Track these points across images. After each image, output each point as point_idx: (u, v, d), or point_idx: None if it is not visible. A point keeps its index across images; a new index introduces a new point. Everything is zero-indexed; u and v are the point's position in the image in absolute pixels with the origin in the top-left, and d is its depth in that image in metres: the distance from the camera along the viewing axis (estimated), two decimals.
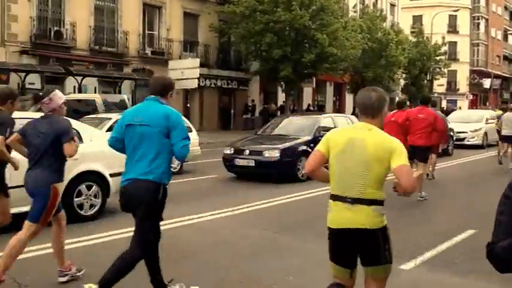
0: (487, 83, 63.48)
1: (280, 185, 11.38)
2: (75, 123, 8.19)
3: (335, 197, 3.32)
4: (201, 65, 24.41)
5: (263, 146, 12.42)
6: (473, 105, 57.90)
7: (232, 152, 12.46)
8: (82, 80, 23.17)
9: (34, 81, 22.39)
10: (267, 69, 29.11)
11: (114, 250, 4.65)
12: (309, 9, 27.72)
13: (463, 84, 61.03)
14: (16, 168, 5.29)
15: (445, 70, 48.57)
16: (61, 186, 4.97)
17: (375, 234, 3.23)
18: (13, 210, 5.82)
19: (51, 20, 23.80)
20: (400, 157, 3.20)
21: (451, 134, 18.57)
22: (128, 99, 20.27)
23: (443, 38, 48.38)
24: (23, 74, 21.74)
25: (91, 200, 7.67)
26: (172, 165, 4.86)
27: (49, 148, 4.69)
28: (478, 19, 65.13)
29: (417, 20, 57.74)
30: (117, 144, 4.35)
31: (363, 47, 32.18)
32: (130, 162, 4.21)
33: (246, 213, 8.46)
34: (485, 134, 22.06)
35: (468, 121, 22.57)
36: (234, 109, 33.68)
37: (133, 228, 4.31)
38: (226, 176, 12.53)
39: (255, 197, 9.79)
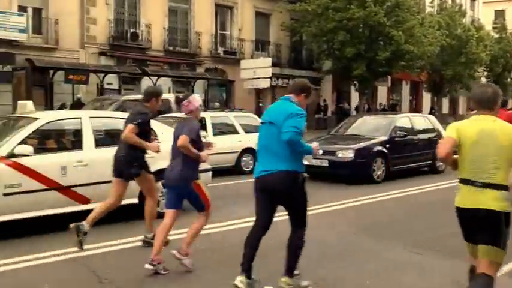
0: None
1: (353, 187, 11.00)
2: (152, 122, 8.26)
3: (466, 181, 3.72)
4: (273, 64, 24.27)
5: (336, 146, 12.06)
6: None
7: None
8: (157, 80, 23.70)
9: (112, 81, 23.17)
10: (340, 68, 28.54)
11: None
12: (384, 6, 26.85)
13: None
14: (154, 150, 6.09)
15: None
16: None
17: (498, 216, 3.60)
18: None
19: (127, 22, 24.53)
20: None
21: None
22: (201, 98, 20.40)
23: None
24: (101, 75, 22.53)
25: None
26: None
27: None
28: None
29: (499, 14, 54.67)
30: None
31: (441, 44, 30.83)
32: (261, 156, 4.60)
33: (320, 214, 8.13)
34: None
35: None
36: (305, 108, 33.12)
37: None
38: None
39: (328, 197, 9.47)
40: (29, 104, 7.70)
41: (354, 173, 11.53)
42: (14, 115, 8.92)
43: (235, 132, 13.48)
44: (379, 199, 9.72)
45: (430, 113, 28.43)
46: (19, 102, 8.19)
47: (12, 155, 6.45)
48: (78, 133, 7.32)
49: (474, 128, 3.74)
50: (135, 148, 5.98)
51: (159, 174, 7.40)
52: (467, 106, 41.90)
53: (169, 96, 17.53)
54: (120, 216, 7.31)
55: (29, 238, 6.48)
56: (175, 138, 5.32)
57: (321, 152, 11.71)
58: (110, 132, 7.96)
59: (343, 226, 7.48)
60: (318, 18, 27.46)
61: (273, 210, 4.68)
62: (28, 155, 6.50)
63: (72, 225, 5.92)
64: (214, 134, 12.70)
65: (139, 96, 17.35)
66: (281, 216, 4.87)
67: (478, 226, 3.68)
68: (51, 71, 21.47)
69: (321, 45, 28.98)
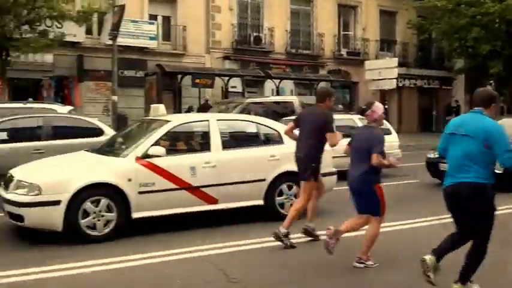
0: None
1: None
2: (276, 125, 8.18)
3: None
4: (399, 65, 23.37)
5: None
6: None
7: (436, 156, 11.31)
8: (279, 82, 23.81)
9: (236, 84, 23.71)
10: (474, 67, 26.58)
11: None
12: None
13: None
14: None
15: None
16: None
17: None
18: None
19: (250, 27, 24.97)
20: None
21: None
22: None
23: None
24: (226, 78, 23.13)
25: (292, 200, 7.47)
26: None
27: (365, 154, 5.31)
28: None
29: None
30: (445, 153, 4.72)
31: None
32: (452, 168, 4.56)
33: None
34: None
35: None
36: (436, 110, 31.65)
37: None
38: (430, 181, 11.43)
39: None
40: (161, 108, 8.03)
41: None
42: (147, 118, 9.34)
43: None
44: None
45: None
46: (152, 105, 8.56)
47: (146, 156, 6.70)
48: (206, 135, 7.45)
49: None
50: (316, 149, 6.29)
51: (284, 177, 7.40)
52: None
53: (292, 98, 17.46)
54: (246, 217, 7.36)
55: (161, 235, 6.65)
56: (358, 143, 5.52)
57: None
58: (235, 134, 8.08)
59: None
60: (448, 14, 25.80)
61: (465, 219, 4.58)
62: (161, 156, 6.70)
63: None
64: None
65: (263, 99, 17.70)
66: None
67: None
68: (179, 76, 22.46)
69: (452, 43, 27.20)
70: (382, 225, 6.80)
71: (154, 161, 6.69)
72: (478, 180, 4.40)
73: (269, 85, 24.35)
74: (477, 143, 4.39)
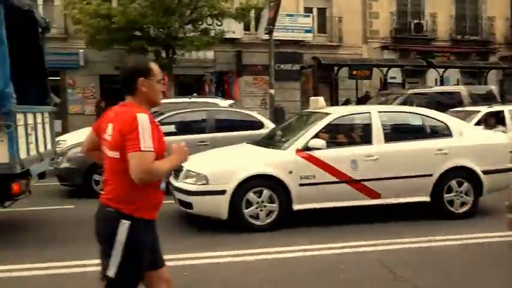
0: None
1: None
2: (443, 116, 7.64)
3: None
4: None
5: None
6: None
7: None
8: (444, 72, 22.43)
9: (395, 75, 22.83)
10: None
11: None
12: None
13: None
14: None
15: None
16: None
17: None
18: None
19: (410, 14, 23.85)
20: None
21: None
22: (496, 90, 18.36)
23: None
24: (384, 69, 22.37)
25: (462, 197, 7.03)
26: None
27: None
28: None
29: None
30: None
31: None
32: None
33: None
34: None
35: None
36: None
37: None
38: None
39: None
40: (321, 100, 7.95)
41: None
42: (306, 111, 9.33)
43: None
44: None
45: None
46: (311, 98, 8.53)
47: (306, 148, 6.67)
48: (367, 128, 7.21)
49: None
50: None
51: (452, 172, 6.90)
52: None
53: (459, 88, 16.23)
54: (412, 214, 7.11)
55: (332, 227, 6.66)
56: None
57: None
58: (399, 126, 7.76)
59: None
60: None
61: None
62: (321, 148, 6.62)
63: None
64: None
65: (426, 90, 16.71)
66: None
67: None
68: (336, 68, 22.24)
69: None
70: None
71: (315, 153, 6.63)
72: None
73: (432, 75, 23.07)
74: None
